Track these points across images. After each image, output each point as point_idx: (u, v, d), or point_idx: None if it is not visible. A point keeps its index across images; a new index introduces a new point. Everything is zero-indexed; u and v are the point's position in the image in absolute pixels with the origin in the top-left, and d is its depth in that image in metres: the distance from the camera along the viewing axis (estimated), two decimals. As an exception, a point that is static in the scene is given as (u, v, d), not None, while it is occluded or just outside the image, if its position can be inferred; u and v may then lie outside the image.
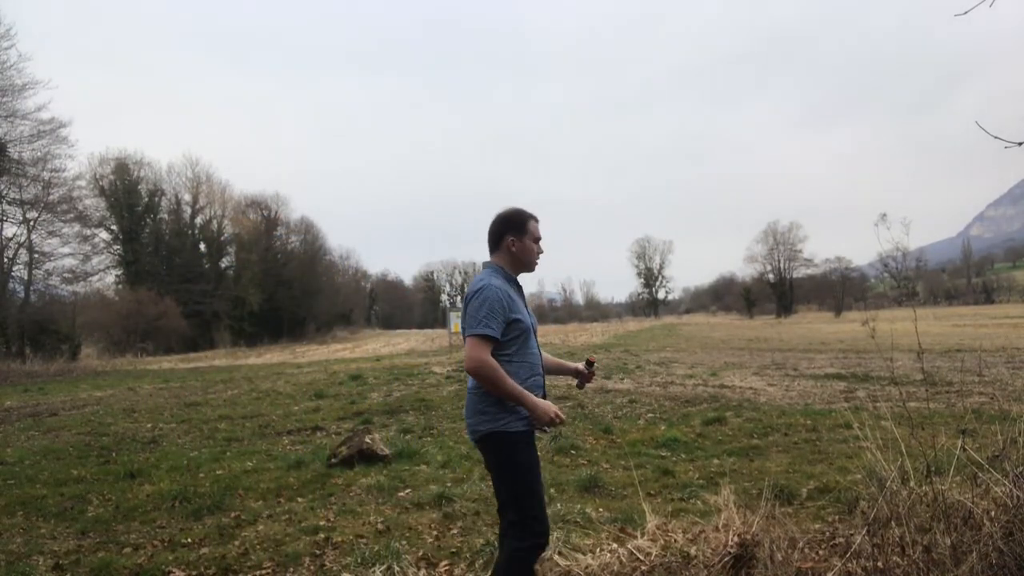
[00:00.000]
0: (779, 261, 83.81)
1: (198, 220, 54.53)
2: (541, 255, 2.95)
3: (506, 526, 2.81)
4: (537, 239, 2.93)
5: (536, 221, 2.94)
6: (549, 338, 35.28)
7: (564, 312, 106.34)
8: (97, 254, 43.90)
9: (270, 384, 15.45)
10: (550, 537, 2.83)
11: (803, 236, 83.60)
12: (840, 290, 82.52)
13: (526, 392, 2.66)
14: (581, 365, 3.18)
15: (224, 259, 55.90)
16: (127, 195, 48.82)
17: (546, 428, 2.75)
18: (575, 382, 3.25)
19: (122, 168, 48.99)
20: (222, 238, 55.36)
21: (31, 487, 6.19)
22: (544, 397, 2.88)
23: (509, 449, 2.74)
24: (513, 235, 2.86)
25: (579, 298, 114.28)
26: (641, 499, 4.51)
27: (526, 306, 2.92)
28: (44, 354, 29.27)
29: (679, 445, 6.93)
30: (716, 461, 6.27)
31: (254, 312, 53.11)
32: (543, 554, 3.68)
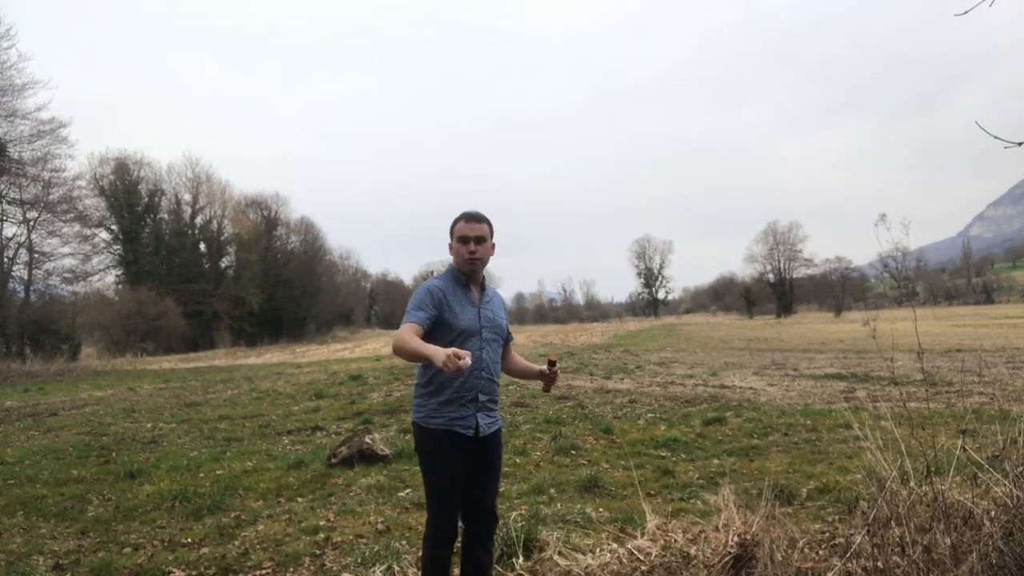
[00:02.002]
0: (779, 261, 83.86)
1: (198, 220, 54.51)
2: (473, 254, 2.90)
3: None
4: (462, 238, 2.90)
5: (465, 220, 2.92)
6: (549, 338, 35.27)
7: (564, 312, 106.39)
8: (97, 254, 44.01)
9: (270, 384, 15.45)
10: (452, 529, 2.91)
11: (803, 236, 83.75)
12: (840, 290, 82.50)
13: (426, 345, 2.65)
14: (544, 367, 3.10)
15: (224, 259, 55.88)
16: (127, 195, 48.77)
17: (457, 373, 2.60)
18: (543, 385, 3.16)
19: (122, 168, 48.96)
20: (222, 238, 55.33)
21: (31, 487, 6.18)
22: (483, 401, 2.92)
23: (421, 441, 2.92)
24: (449, 239, 2.98)
25: (579, 298, 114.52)
26: (641, 499, 4.51)
27: (479, 307, 2.95)
28: (44, 354, 29.25)
29: (679, 445, 6.93)
30: (716, 461, 6.27)
31: (254, 312, 53.08)
32: (544, 554, 3.69)
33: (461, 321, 2.87)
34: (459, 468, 2.87)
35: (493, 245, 3.00)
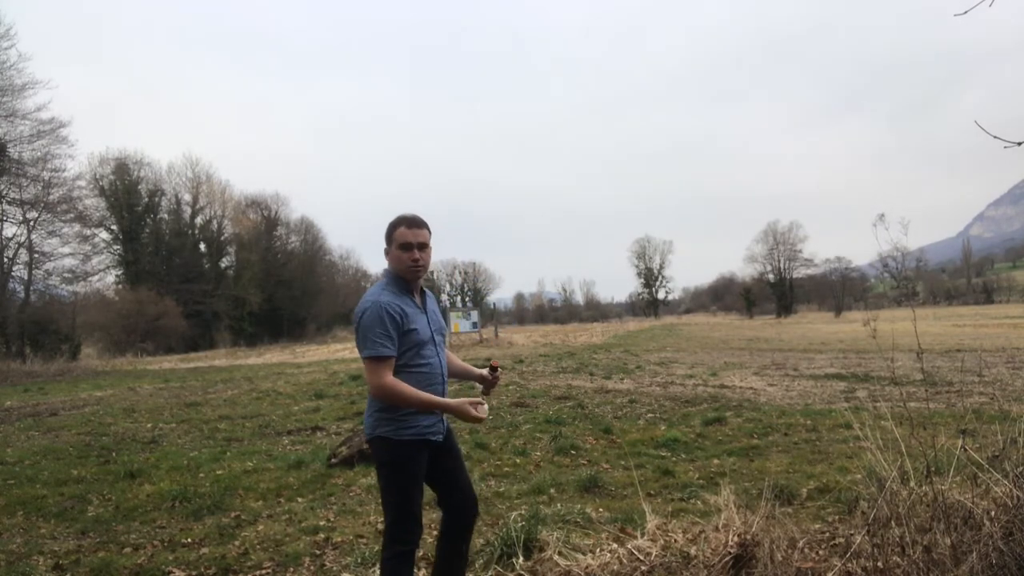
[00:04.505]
0: (779, 261, 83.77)
1: (198, 220, 54.50)
2: (417, 261, 2.79)
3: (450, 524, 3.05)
4: (405, 245, 2.77)
5: (406, 226, 2.79)
6: (549, 338, 35.27)
7: (564, 312, 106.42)
8: (97, 254, 43.99)
9: (270, 384, 15.44)
10: (418, 540, 2.85)
11: (803, 236, 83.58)
12: (840, 290, 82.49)
13: (437, 398, 2.71)
14: (485, 371, 3.09)
15: (224, 259, 55.86)
16: (127, 195, 48.78)
17: (479, 422, 2.78)
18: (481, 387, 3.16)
19: (122, 168, 48.97)
20: (222, 238, 55.32)
21: (31, 487, 6.18)
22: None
23: (390, 454, 2.79)
24: (386, 245, 2.84)
25: (579, 298, 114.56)
26: (641, 499, 4.51)
27: (426, 311, 2.89)
28: (44, 354, 29.24)
29: (679, 445, 6.93)
30: (716, 461, 6.27)
31: (254, 312, 53.08)
32: (544, 554, 3.69)
33: (421, 333, 2.79)
34: (423, 476, 2.87)
35: (430, 249, 2.89)
